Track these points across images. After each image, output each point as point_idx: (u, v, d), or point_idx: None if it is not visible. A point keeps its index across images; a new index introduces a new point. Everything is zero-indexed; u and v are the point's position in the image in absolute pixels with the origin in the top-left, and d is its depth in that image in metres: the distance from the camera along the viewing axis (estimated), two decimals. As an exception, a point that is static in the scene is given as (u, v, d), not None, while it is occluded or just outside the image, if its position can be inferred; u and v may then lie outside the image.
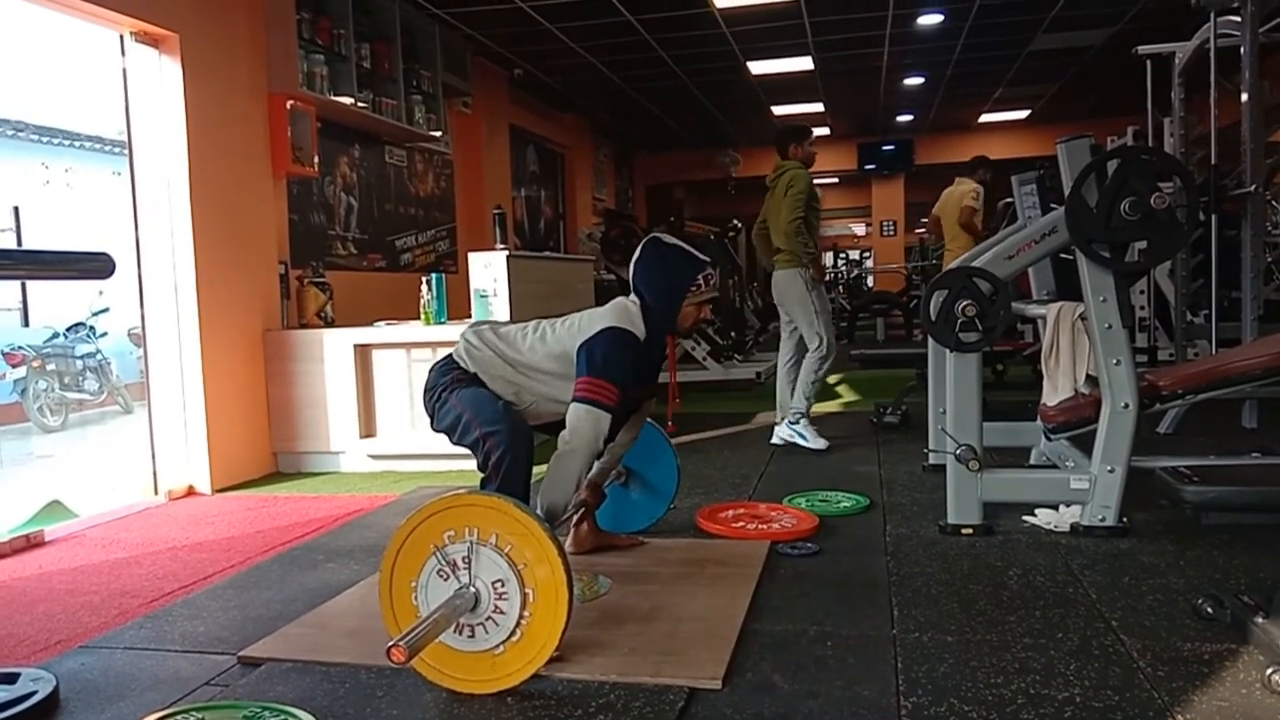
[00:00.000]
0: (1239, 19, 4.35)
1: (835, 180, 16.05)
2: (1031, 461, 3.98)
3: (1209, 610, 2.27)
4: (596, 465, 2.97)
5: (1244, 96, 4.36)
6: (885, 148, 13.67)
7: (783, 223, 4.83)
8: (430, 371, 2.78)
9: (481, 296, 4.83)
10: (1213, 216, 4.44)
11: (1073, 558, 2.84)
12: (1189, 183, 3.05)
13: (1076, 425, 3.23)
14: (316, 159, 5.31)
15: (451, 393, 2.65)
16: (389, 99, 6.09)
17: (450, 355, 2.79)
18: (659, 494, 3.31)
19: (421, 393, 2.78)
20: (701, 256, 2.80)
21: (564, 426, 2.54)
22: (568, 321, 2.73)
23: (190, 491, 4.49)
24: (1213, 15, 4.48)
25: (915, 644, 2.23)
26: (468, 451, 2.61)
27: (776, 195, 4.95)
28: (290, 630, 2.49)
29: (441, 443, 2.76)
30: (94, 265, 2.06)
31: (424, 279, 4.79)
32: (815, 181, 4.96)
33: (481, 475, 2.55)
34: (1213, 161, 4.57)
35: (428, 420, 2.74)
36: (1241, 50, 4.33)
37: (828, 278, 15.47)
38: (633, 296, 2.75)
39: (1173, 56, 5.35)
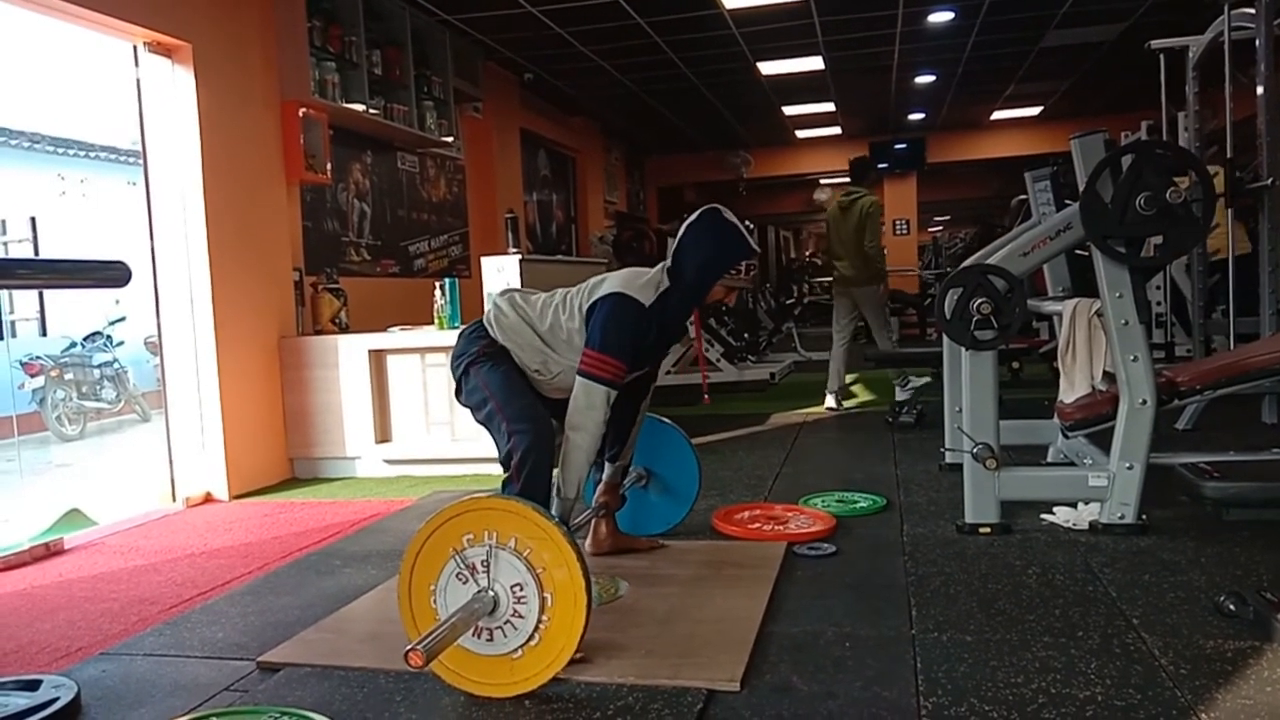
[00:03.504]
0: (1253, 11, 4.32)
1: (847, 180, 15.98)
2: (1049, 459, 3.96)
3: (1231, 607, 2.25)
4: (609, 468, 2.98)
5: (1259, 89, 4.33)
6: (897, 146, 13.59)
7: (868, 244, 5.91)
8: (459, 337, 2.80)
9: (495, 300, 4.84)
10: (1229, 211, 4.41)
11: (1092, 556, 2.82)
12: (1205, 177, 3.02)
13: (1094, 422, 3.21)
14: (329, 166, 5.34)
15: (479, 368, 2.67)
16: (400, 105, 6.11)
17: (480, 321, 2.80)
18: (679, 497, 3.30)
19: (449, 361, 2.79)
20: (754, 244, 2.82)
21: None
22: (585, 286, 2.75)
23: (208, 498, 4.52)
24: (1226, 8, 4.45)
25: (934, 644, 2.22)
26: (485, 456, 2.61)
27: (850, 218, 6.02)
28: (309, 635, 2.50)
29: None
30: (110, 274, 2.07)
31: (438, 284, 4.81)
32: (826, 181, 5.20)
33: (503, 471, 2.56)
34: (1229, 155, 4.53)
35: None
36: (1256, 43, 4.30)
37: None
38: (667, 263, 2.73)
39: (1186, 50, 5.32)
